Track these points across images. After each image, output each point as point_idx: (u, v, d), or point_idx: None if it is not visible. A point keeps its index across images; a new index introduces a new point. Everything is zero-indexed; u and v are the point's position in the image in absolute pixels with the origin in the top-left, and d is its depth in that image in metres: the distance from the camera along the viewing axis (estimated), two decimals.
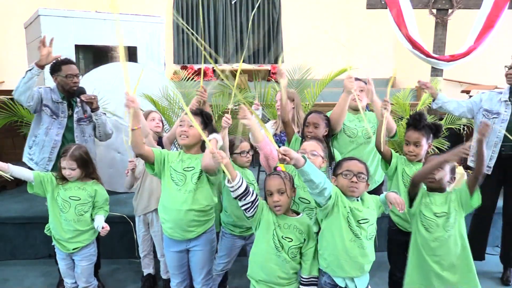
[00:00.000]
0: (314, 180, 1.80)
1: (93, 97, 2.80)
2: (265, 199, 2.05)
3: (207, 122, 2.23)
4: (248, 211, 1.98)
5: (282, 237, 1.97)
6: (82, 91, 2.80)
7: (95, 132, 2.97)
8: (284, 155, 1.72)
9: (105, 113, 3.03)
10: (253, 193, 1.97)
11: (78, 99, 2.82)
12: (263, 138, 2.18)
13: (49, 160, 2.82)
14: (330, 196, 1.90)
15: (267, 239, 1.98)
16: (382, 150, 2.44)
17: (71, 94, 2.81)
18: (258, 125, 2.23)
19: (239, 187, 1.91)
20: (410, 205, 2.16)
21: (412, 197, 2.16)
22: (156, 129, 2.84)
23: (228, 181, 1.90)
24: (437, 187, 2.17)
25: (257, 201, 1.99)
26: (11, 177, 2.28)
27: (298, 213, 2.09)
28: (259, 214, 2.01)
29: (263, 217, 2.01)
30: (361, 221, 1.95)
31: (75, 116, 2.86)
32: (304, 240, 2.00)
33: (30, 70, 2.59)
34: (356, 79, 2.81)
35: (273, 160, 2.21)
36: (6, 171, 2.23)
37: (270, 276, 1.98)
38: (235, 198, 1.96)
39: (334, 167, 2.13)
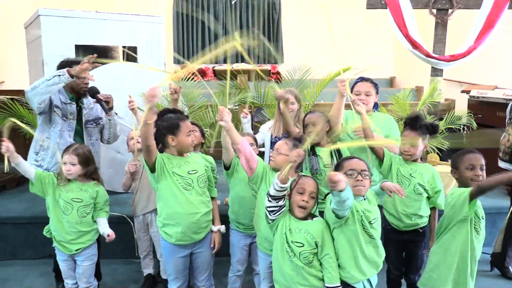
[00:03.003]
0: (350, 197, 1.77)
1: (109, 96, 2.72)
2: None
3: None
4: (273, 214, 1.94)
5: (291, 242, 1.92)
6: (96, 90, 2.69)
7: (101, 136, 2.89)
8: (334, 181, 1.66)
9: (116, 113, 2.94)
10: (284, 200, 1.93)
11: (91, 100, 2.72)
12: (241, 140, 2.16)
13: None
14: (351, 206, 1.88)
15: (281, 243, 1.96)
16: (373, 146, 2.46)
17: (80, 95, 2.70)
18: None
19: (284, 190, 1.87)
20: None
21: (470, 199, 2.03)
22: None
23: (281, 181, 1.83)
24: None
25: (284, 206, 1.95)
26: (15, 166, 2.25)
27: (314, 216, 2.04)
28: (280, 218, 1.98)
29: (280, 221, 1.98)
30: (372, 222, 1.95)
31: (83, 118, 2.74)
32: (316, 245, 1.93)
33: (59, 75, 2.42)
34: (364, 79, 2.80)
35: (253, 161, 2.21)
36: (13, 158, 2.21)
37: (290, 282, 1.94)
38: (271, 196, 1.89)
39: (334, 168, 2.12)
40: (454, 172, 2.20)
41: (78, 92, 2.68)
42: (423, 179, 2.41)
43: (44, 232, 2.51)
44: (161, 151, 2.29)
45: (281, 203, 1.92)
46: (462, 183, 2.13)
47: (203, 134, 2.76)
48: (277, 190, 1.86)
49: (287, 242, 1.93)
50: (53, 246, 2.50)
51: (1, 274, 3.16)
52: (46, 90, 2.45)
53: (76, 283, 2.52)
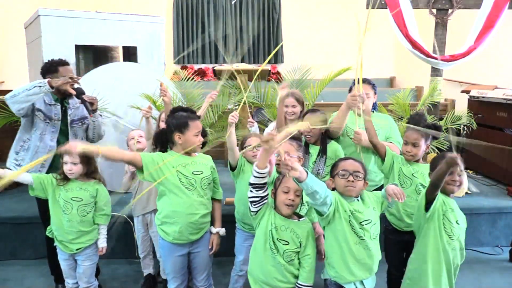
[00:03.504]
0: (317, 190, 1.77)
1: (94, 98, 2.73)
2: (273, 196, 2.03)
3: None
4: (255, 205, 1.96)
5: (277, 239, 1.94)
6: (82, 91, 2.69)
7: (87, 134, 2.87)
8: (287, 164, 1.68)
9: (101, 115, 2.97)
10: (266, 190, 1.95)
11: (77, 100, 2.72)
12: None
13: (42, 167, 2.64)
14: (331, 203, 1.89)
15: (264, 240, 1.97)
16: (375, 143, 2.45)
17: (65, 95, 2.70)
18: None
19: (263, 177, 1.88)
20: (427, 209, 2.06)
21: (429, 200, 2.04)
22: None
23: (258, 166, 1.85)
24: (452, 191, 2.13)
25: (266, 198, 1.97)
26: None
27: (301, 216, 2.06)
28: (262, 212, 1.99)
29: (264, 216, 2.00)
30: (363, 223, 1.94)
31: (69, 118, 2.73)
32: (300, 245, 1.96)
33: (40, 86, 2.43)
34: (364, 80, 2.80)
35: (272, 167, 2.22)
36: (2, 176, 2.21)
37: (268, 278, 1.97)
38: (251, 184, 1.91)
39: (331, 168, 2.12)
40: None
41: (64, 93, 2.67)
42: (424, 179, 2.39)
43: (46, 233, 2.51)
44: (166, 149, 2.30)
45: (261, 193, 1.93)
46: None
47: (204, 134, 2.75)
48: (256, 177, 1.87)
49: (272, 240, 1.95)
50: (54, 245, 2.50)
51: (1, 274, 3.16)
52: (25, 99, 2.46)
53: (77, 282, 2.52)
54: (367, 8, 4.33)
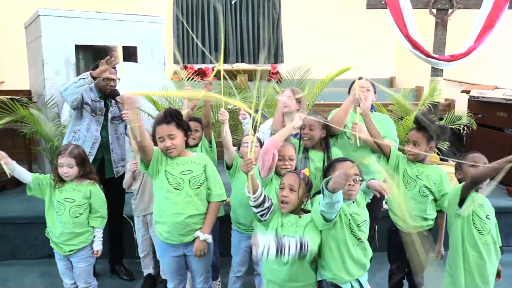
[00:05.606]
0: (340, 202, 1.77)
1: None
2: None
3: (184, 126, 2.21)
4: (264, 217, 1.95)
5: (283, 236, 1.92)
6: (117, 93, 2.94)
7: (126, 130, 3.06)
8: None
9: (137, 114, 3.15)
10: (268, 199, 1.94)
11: (113, 100, 2.96)
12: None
13: (89, 155, 2.81)
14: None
15: None
16: (379, 144, 2.44)
17: (106, 94, 2.94)
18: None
19: (259, 197, 1.89)
20: (460, 205, 2.06)
21: (463, 197, 2.04)
22: None
23: (249, 192, 1.86)
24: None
25: (271, 206, 1.96)
26: (10, 173, 2.31)
27: (307, 211, 2.04)
28: (271, 217, 1.98)
29: (272, 220, 1.98)
30: (360, 225, 1.95)
31: (109, 115, 2.96)
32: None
33: (84, 78, 2.70)
34: (361, 78, 2.80)
35: (275, 164, 2.21)
36: (9, 165, 2.26)
37: (275, 277, 1.96)
38: (253, 207, 1.91)
39: (325, 169, 2.10)
40: (458, 173, 2.21)
41: (104, 92, 2.93)
42: (429, 181, 2.37)
43: (46, 234, 2.50)
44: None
45: (266, 205, 1.92)
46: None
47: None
48: (254, 201, 1.88)
49: (277, 238, 1.93)
50: (49, 245, 2.50)
51: (1, 274, 3.16)
52: (75, 91, 2.73)
53: (75, 282, 2.51)
54: (367, 8, 4.33)
